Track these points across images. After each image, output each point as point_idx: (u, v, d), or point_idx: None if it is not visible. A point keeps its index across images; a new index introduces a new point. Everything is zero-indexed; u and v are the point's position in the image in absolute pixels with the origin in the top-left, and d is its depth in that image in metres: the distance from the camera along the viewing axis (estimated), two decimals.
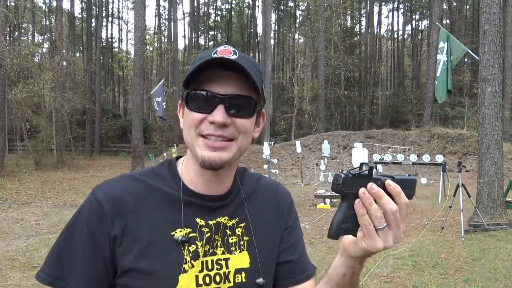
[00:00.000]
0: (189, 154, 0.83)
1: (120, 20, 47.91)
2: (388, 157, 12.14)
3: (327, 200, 8.69)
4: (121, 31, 55.34)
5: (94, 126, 27.53)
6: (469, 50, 9.90)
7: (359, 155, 11.46)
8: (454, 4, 30.97)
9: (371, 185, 0.66)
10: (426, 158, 11.06)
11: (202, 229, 0.81)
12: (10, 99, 16.02)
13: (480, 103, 6.88)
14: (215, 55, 0.75)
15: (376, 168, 0.67)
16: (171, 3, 31.82)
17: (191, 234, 0.79)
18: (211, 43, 43.61)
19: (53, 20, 26.97)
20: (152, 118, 26.66)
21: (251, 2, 39.95)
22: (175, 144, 17.93)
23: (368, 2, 34.76)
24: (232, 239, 0.84)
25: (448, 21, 29.31)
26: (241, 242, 0.84)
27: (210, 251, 0.81)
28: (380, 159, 11.69)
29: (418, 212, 7.90)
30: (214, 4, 44.69)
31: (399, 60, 38.26)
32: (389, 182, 0.67)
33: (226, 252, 0.82)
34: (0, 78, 13.34)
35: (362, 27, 37.56)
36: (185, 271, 0.77)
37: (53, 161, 17.70)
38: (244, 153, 0.86)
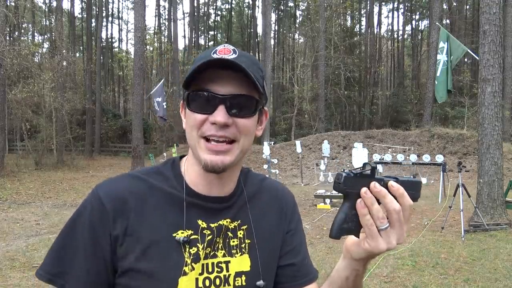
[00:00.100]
0: (191, 154, 0.83)
1: (120, 20, 48.01)
2: (388, 157, 12.12)
3: (327, 200, 8.67)
4: (121, 31, 55.49)
5: (94, 126, 27.52)
6: (469, 50, 9.90)
7: (359, 155, 11.46)
8: (454, 4, 30.96)
9: (374, 184, 0.66)
10: (426, 158, 11.05)
11: (203, 231, 0.80)
12: (10, 99, 16.02)
13: (480, 103, 6.89)
14: (215, 55, 0.74)
15: (376, 168, 0.67)
16: (171, 3, 31.83)
17: (193, 236, 0.79)
18: (211, 43, 43.58)
19: (53, 20, 27.01)
20: (152, 118, 26.66)
21: (251, 2, 39.98)
22: (175, 144, 17.94)
23: (368, 2, 34.75)
24: (233, 241, 0.83)
25: (448, 21, 29.30)
26: (243, 245, 0.84)
27: (211, 254, 0.80)
28: (380, 159, 11.68)
29: (418, 212, 7.90)
30: (214, 4, 44.75)
31: (399, 60, 38.25)
32: (392, 184, 0.66)
33: (227, 255, 0.82)
34: (0, 78, 13.34)
35: (362, 27, 37.59)
36: (185, 273, 0.76)
37: (53, 161, 17.68)
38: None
